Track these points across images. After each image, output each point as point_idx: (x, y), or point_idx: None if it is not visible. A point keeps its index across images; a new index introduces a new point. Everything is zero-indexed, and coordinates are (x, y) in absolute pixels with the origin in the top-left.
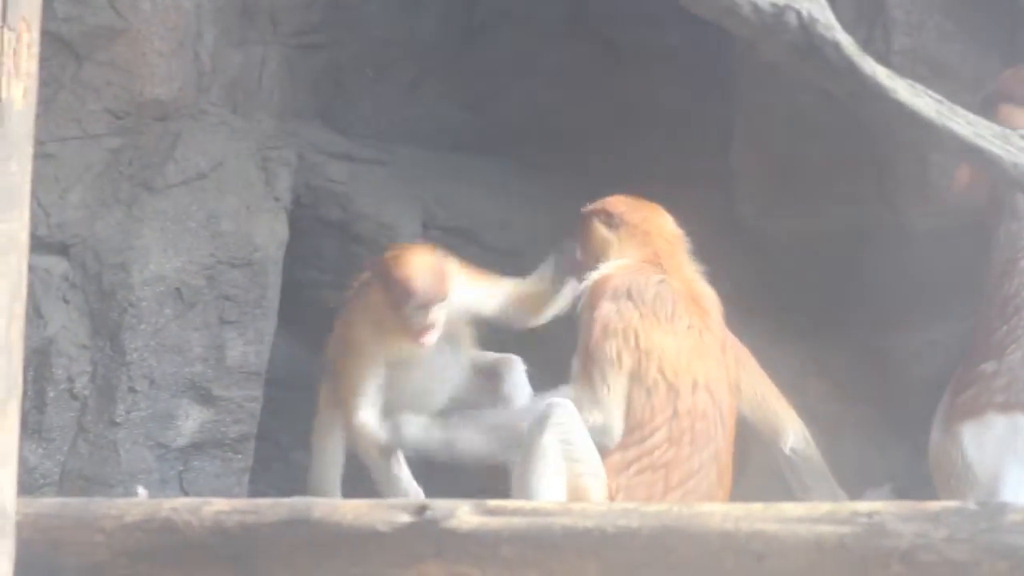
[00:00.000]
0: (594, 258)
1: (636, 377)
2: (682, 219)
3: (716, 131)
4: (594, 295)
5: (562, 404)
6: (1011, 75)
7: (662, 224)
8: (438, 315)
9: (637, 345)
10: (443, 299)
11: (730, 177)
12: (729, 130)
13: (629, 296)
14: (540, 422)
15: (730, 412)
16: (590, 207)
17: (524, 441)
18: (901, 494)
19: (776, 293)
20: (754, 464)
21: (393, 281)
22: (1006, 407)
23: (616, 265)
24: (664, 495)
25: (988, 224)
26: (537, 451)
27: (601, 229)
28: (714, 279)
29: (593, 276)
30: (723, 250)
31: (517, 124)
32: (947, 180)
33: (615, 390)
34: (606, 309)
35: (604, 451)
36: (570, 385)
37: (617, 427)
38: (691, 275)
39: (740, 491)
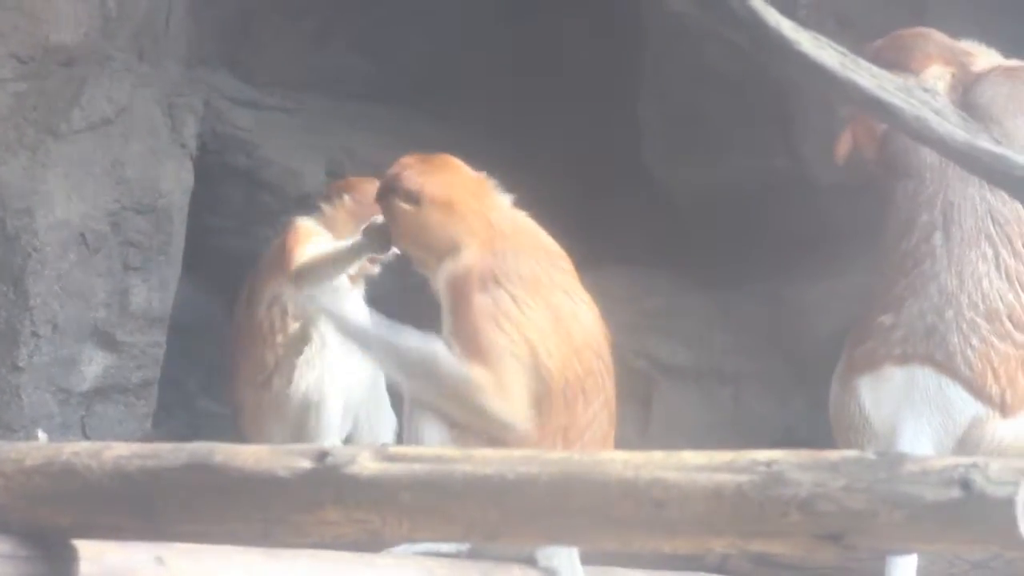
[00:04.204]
0: (405, 236)
1: (530, 367)
2: (589, 169)
3: (624, 81)
4: (460, 287)
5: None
6: (890, 42)
7: (464, 180)
8: None
9: (524, 337)
10: None
11: (637, 127)
12: (638, 80)
13: (497, 282)
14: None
15: (608, 350)
16: (383, 185)
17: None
18: (801, 445)
19: (682, 244)
20: (656, 416)
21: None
22: (903, 359)
23: (463, 250)
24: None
25: (883, 183)
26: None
27: (404, 207)
28: (620, 229)
29: (446, 268)
30: (630, 200)
31: (423, 73)
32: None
33: (520, 385)
34: (481, 302)
35: (499, 442)
36: (467, 366)
37: (523, 425)
38: (518, 219)
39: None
